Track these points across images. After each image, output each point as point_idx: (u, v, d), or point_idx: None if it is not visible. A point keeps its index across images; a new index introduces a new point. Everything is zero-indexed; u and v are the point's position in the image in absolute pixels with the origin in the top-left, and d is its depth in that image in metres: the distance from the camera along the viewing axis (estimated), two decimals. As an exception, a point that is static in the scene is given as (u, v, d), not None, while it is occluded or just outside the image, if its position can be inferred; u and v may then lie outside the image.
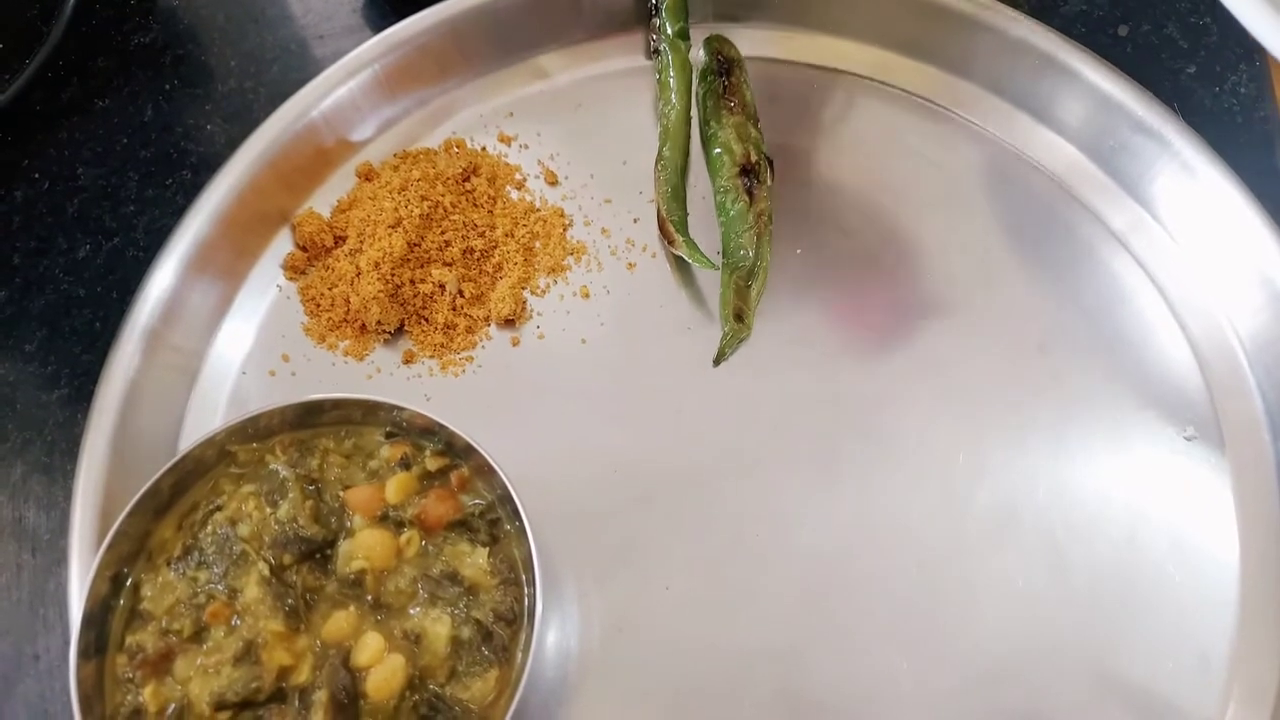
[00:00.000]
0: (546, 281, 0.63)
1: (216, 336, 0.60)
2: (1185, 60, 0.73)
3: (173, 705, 0.44)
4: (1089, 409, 0.59)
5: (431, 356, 0.60)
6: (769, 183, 0.66)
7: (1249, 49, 0.73)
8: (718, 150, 0.66)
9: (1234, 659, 0.53)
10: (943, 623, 0.54)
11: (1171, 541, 0.56)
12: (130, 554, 0.47)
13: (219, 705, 0.43)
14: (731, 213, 0.64)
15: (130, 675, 0.44)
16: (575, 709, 0.52)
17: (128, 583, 0.47)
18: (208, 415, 0.58)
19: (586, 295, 0.62)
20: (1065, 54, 0.66)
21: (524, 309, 0.62)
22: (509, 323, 0.61)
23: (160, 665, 0.44)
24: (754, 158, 0.66)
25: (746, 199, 0.64)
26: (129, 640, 0.45)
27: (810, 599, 0.54)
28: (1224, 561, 0.56)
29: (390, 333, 0.60)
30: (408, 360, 0.60)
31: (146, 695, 0.44)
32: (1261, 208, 0.61)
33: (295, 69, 0.71)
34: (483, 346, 0.61)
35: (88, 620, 0.45)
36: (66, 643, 0.51)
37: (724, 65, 0.68)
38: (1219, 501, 0.56)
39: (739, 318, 0.61)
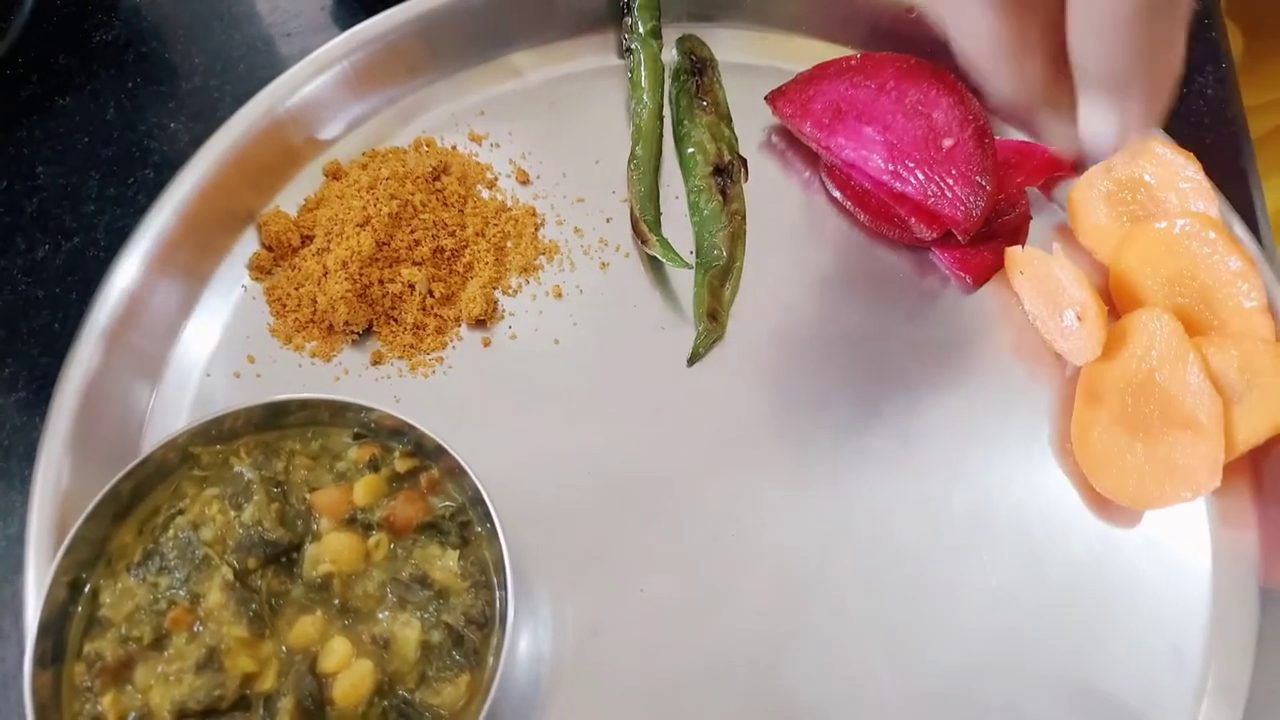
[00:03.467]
0: (518, 281, 0.62)
1: (179, 338, 0.59)
2: (1153, 62, 0.74)
3: (133, 714, 0.42)
4: (1060, 410, 0.59)
5: (401, 357, 0.59)
6: (742, 182, 0.65)
7: (1215, 52, 0.74)
8: (691, 150, 0.66)
9: (1208, 652, 0.54)
10: (919, 622, 0.54)
11: (1144, 537, 0.56)
12: (89, 559, 0.46)
13: (181, 714, 0.42)
14: (705, 212, 0.64)
15: (89, 684, 0.43)
16: (549, 714, 0.51)
17: (86, 589, 0.45)
18: (171, 418, 0.57)
19: (559, 295, 0.62)
20: (1035, 55, 0.66)
21: (495, 309, 0.61)
22: (480, 323, 0.60)
23: (120, 673, 0.43)
24: (727, 157, 0.65)
25: (720, 198, 0.64)
26: (87, 648, 0.44)
27: (786, 599, 0.54)
28: (1196, 556, 0.56)
29: (358, 333, 0.59)
30: (376, 361, 0.59)
31: (105, 704, 0.42)
32: (1231, 209, 0.61)
33: (262, 67, 0.70)
34: (453, 347, 0.60)
35: (44, 628, 0.43)
36: (22, 652, 0.49)
37: (697, 65, 0.68)
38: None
39: (713, 317, 0.61)
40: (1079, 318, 0.58)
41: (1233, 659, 0.53)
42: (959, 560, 0.55)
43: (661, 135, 0.67)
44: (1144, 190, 0.61)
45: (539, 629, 0.53)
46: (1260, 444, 0.55)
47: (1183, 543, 0.56)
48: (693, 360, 0.60)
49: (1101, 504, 0.57)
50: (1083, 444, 0.57)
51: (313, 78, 0.63)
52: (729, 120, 0.67)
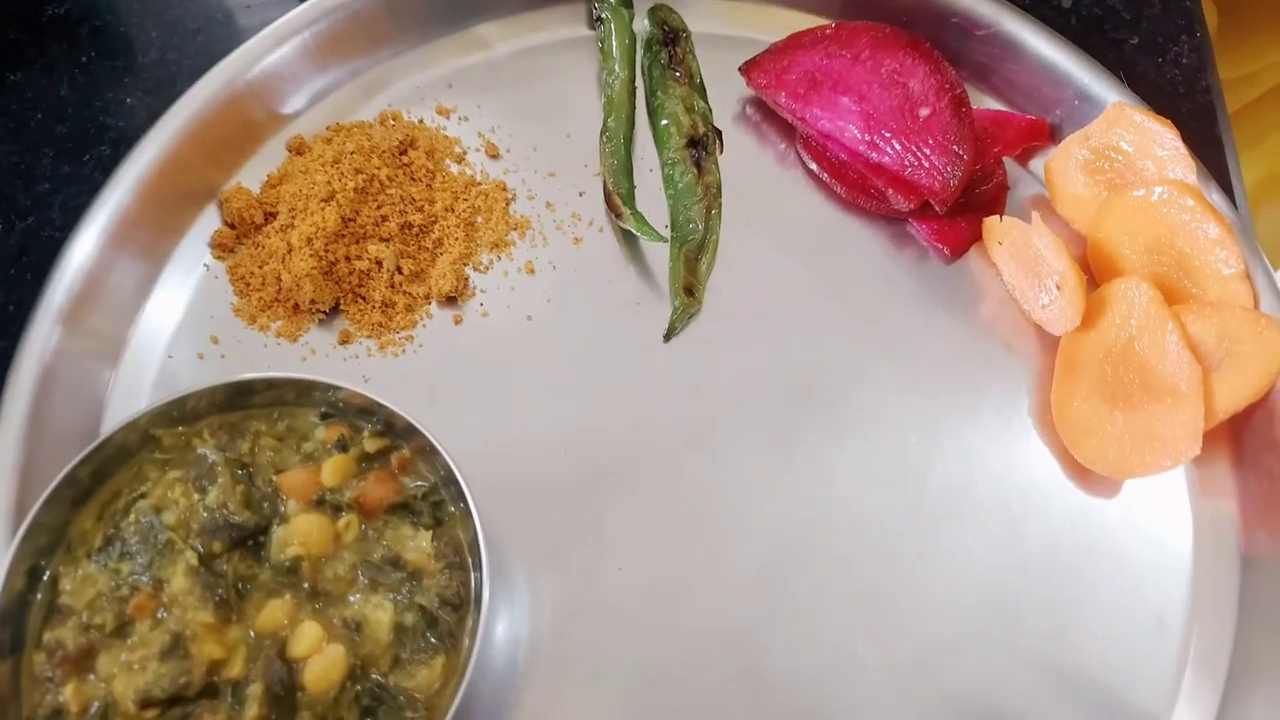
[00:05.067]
0: (489, 258, 0.61)
1: (139, 318, 0.57)
2: (1128, 31, 0.73)
3: (96, 704, 0.41)
4: (1039, 381, 0.59)
5: (369, 336, 0.58)
6: (717, 154, 0.64)
7: (1190, 20, 0.74)
8: (664, 122, 0.64)
9: (1189, 620, 0.53)
10: (900, 594, 0.53)
11: (1125, 507, 0.56)
12: (48, 546, 0.44)
13: (145, 702, 0.40)
14: (680, 185, 0.63)
15: (49, 674, 0.41)
16: (527, 695, 0.50)
17: (45, 576, 0.44)
18: (132, 401, 0.55)
19: (532, 271, 0.60)
20: (1011, 23, 0.65)
21: (466, 286, 0.59)
22: (451, 300, 0.59)
23: (81, 662, 0.41)
24: (702, 129, 0.64)
25: (695, 171, 0.63)
26: (47, 637, 0.42)
27: (765, 575, 0.53)
28: (1177, 525, 0.56)
29: (325, 312, 0.57)
30: (344, 341, 0.57)
31: (67, 694, 0.41)
32: (1209, 176, 0.61)
33: (221, 40, 0.68)
34: (423, 325, 0.58)
35: (2, 617, 0.42)
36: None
37: (669, 35, 0.67)
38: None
39: (689, 292, 0.60)
40: (1058, 287, 0.57)
41: (1214, 627, 0.53)
42: (939, 533, 0.55)
43: (634, 107, 0.65)
44: (1122, 158, 0.61)
45: (516, 610, 0.51)
46: (1239, 411, 0.55)
47: (1163, 512, 0.56)
48: (669, 335, 0.59)
49: (1082, 474, 0.56)
50: (1062, 414, 0.57)
51: (273, 49, 0.61)
52: (703, 92, 0.66)
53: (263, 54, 0.61)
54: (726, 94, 0.67)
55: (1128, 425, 0.55)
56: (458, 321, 0.59)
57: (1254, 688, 0.51)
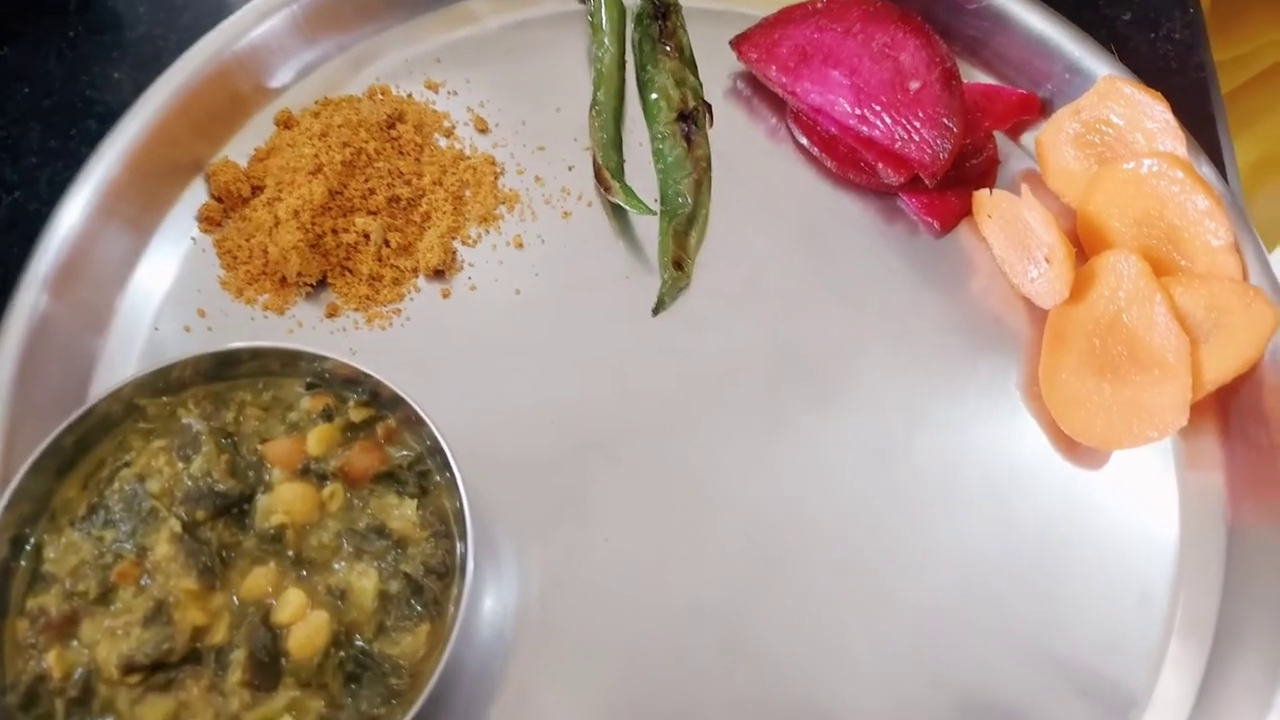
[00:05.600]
0: (478, 231, 0.60)
1: (126, 291, 0.57)
2: (1120, 7, 0.73)
3: (79, 670, 0.41)
4: (1028, 355, 0.59)
5: (356, 309, 0.57)
6: (707, 128, 0.64)
7: (1183, -5, 0.73)
8: (654, 96, 0.64)
9: (1175, 591, 0.53)
10: (887, 568, 0.53)
11: (1113, 480, 0.56)
12: (31, 515, 0.44)
13: (128, 668, 0.40)
14: (669, 159, 0.63)
15: (32, 640, 0.41)
16: (513, 665, 0.50)
17: (29, 545, 0.44)
18: (118, 373, 0.55)
19: (520, 245, 0.60)
20: (1002, -3, 0.65)
21: (454, 259, 0.59)
22: (439, 274, 0.59)
23: (64, 629, 0.41)
24: (692, 103, 0.64)
25: (685, 145, 0.63)
26: (31, 604, 0.42)
27: (752, 549, 0.53)
28: (1164, 497, 0.56)
29: (312, 285, 0.57)
30: (331, 314, 0.57)
31: (50, 660, 0.41)
32: (1199, 149, 0.61)
33: (208, 14, 0.67)
34: (411, 299, 0.58)
35: (-16, 585, 0.42)
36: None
37: (660, 8, 0.66)
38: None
39: (678, 266, 0.60)
40: (1047, 260, 0.57)
41: (1200, 598, 0.53)
42: (927, 506, 0.55)
43: (624, 81, 0.65)
44: (1112, 131, 0.61)
45: (503, 580, 0.51)
46: (1227, 383, 0.55)
47: (1151, 484, 0.56)
48: (658, 309, 0.59)
49: (1070, 446, 0.56)
50: (1051, 386, 0.57)
51: (260, 22, 0.61)
52: (693, 65, 0.66)
53: (250, 27, 0.61)
54: (717, 68, 0.66)
55: (1115, 397, 0.55)
56: (445, 295, 0.59)
57: (1238, 656, 0.51)
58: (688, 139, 0.63)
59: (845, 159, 0.63)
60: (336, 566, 0.44)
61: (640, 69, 0.65)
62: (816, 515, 0.54)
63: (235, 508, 0.44)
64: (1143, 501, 0.56)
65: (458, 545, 0.46)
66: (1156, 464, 0.57)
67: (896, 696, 0.50)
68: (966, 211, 0.63)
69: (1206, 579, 0.54)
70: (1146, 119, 0.60)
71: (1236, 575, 0.54)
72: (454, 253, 0.59)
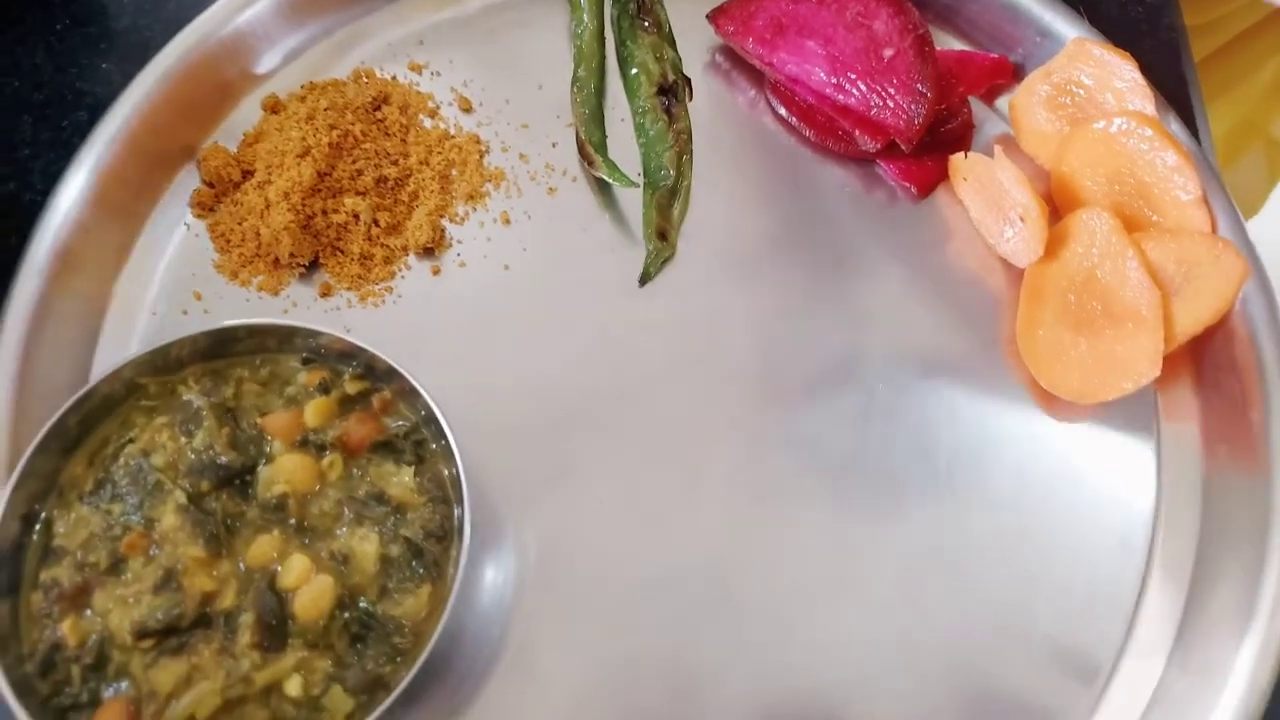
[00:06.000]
0: (465, 209, 0.62)
1: (122, 277, 0.58)
2: (1091, -30, 0.74)
3: (93, 637, 0.42)
4: (1006, 313, 0.60)
5: (349, 288, 0.59)
6: (687, 101, 0.65)
7: (1152, -43, 0.75)
8: (634, 71, 0.65)
9: (1152, 539, 0.55)
10: (870, 521, 0.55)
11: (1091, 433, 0.57)
12: (40, 492, 0.45)
13: (141, 634, 0.42)
14: (651, 133, 0.64)
15: (47, 611, 0.43)
16: (513, 626, 0.51)
17: (39, 521, 0.45)
18: (117, 357, 0.55)
19: (507, 221, 0.62)
20: (973, -37, 0.66)
21: (443, 237, 0.60)
22: (428, 251, 0.60)
23: (78, 599, 0.43)
24: (671, 77, 0.65)
25: (666, 118, 0.64)
26: (44, 576, 0.44)
27: (739, 510, 0.55)
28: (1141, 447, 0.57)
29: (305, 266, 0.59)
30: (325, 293, 0.59)
31: (65, 629, 0.42)
32: (1168, 107, 0.62)
33: (192, 4, 0.67)
34: (402, 277, 0.60)
35: (-1, 561, 0.43)
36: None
37: (636, -15, 0.67)
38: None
39: (662, 236, 0.61)
40: (1021, 219, 0.59)
41: (1177, 541, 0.55)
42: (908, 463, 0.56)
43: (604, 57, 0.66)
44: (1083, 92, 0.62)
45: (500, 544, 0.53)
46: (1199, 334, 0.56)
47: (1128, 435, 0.58)
48: (644, 280, 0.60)
49: (1048, 400, 0.58)
50: (1028, 342, 0.58)
51: (244, 8, 0.62)
52: (672, 40, 0.67)
53: (234, 13, 0.62)
54: (695, 42, 0.67)
55: (1091, 351, 0.56)
56: (436, 272, 0.60)
57: (1215, 595, 0.52)
58: (668, 112, 0.64)
59: (823, 128, 0.64)
60: (338, 532, 0.45)
61: (620, 45, 0.66)
62: (800, 474, 0.56)
63: (238, 479, 0.46)
64: (1121, 451, 0.57)
65: (455, 510, 0.47)
66: (1134, 415, 0.58)
67: (876, 638, 0.52)
68: (943, 176, 0.64)
69: (1183, 524, 0.56)
70: (1116, 79, 0.61)
71: (1212, 519, 0.55)
72: (442, 231, 0.60)
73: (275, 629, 0.43)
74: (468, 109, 0.64)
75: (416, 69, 0.65)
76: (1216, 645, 0.51)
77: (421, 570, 0.45)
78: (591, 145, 0.62)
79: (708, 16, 0.66)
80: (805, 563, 0.54)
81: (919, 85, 0.60)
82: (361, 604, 0.44)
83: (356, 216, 0.59)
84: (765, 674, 0.51)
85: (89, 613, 0.43)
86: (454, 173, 0.62)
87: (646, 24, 0.66)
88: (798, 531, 0.54)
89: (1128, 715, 0.51)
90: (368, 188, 0.59)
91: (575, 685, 0.50)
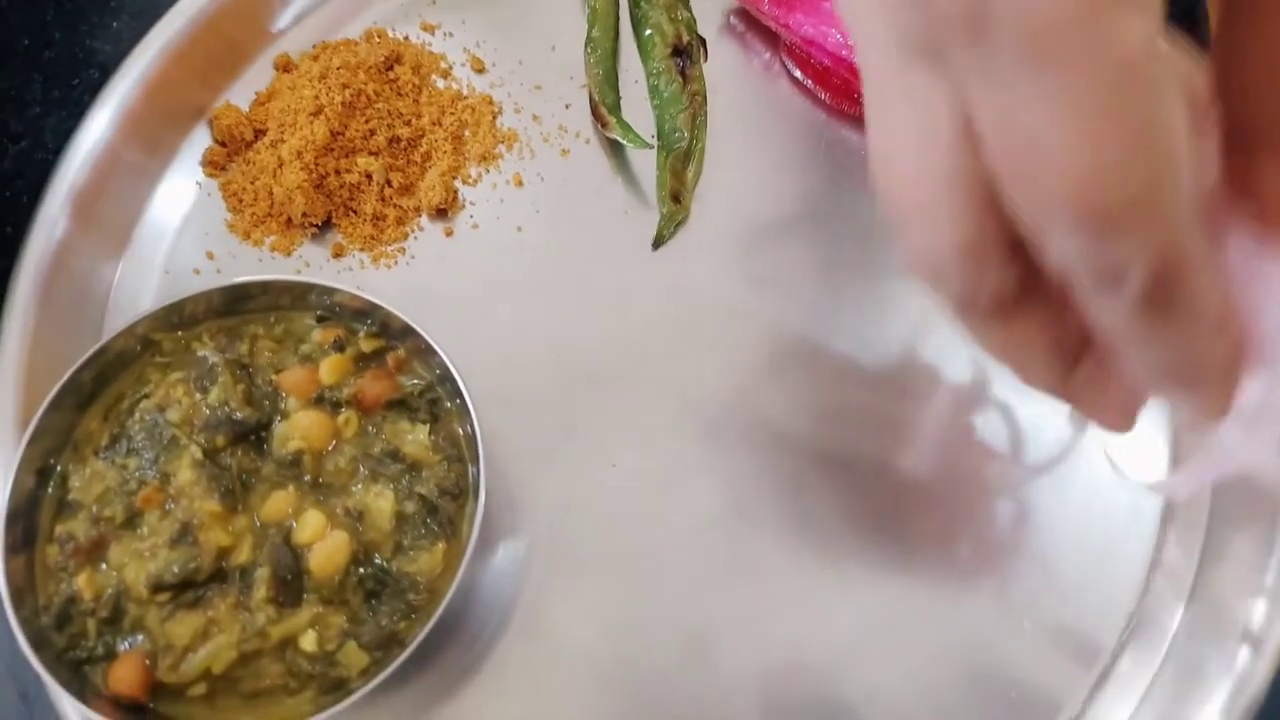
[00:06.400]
0: (478, 170, 0.61)
1: (135, 236, 0.58)
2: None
3: (109, 590, 0.42)
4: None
5: (362, 249, 0.58)
6: (702, 63, 0.65)
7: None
8: (649, 32, 0.65)
9: (1162, 523, 0.55)
10: (887, 494, 0.55)
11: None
12: (55, 447, 0.45)
13: (157, 587, 0.42)
14: (665, 95, 0.63)
15: (63, 564, 0.43)
16: (526, 585, 0.51)
17: (55, 475, 0.45)
18: (130, 315, 0.55)
19: (520, 183, 0.61)
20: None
21: (456, 198, 0.60)
22: (441, 213, 0.60)
23: (93, 553, 0.43)
24: (686, 38, 0.64)
25: (680, 80, 0.63)
26: (59, 530, 0.44)
27: (753, 473, 0.54)
28: (1152, 414, 0.57)
29: (317, 226, 0.58)
30: (337, 254, 0.58)
31: (80, 583, 0.42)
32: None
33: (204, -38, 0.67)
34: (415, 238, 0.59)
35: (13, 515, 0.43)
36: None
37: (651, -55, 0.66)
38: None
39: (676, 199, 0.61)
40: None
41: (1186, 525, 0.55)
42: (921, 425, 0.56)
43: (618, 18, 0.66)
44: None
45: (514, 504, 0.53)
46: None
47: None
48: (658, 243, 0.60)
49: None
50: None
51: (256, -35, 0.61)
52: (686, 1, 0.66)
53: (246, -29, 0.61)
54: (710, 3, 0.67)
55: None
56: (448, 234, 0.60)
57: (1230, 545, 0.52)
58: (683, 74, 0.63)
59: (839, 90, 0.64)
60: (354, 489, 0.45)
61: (634, 5, 0.66)
62: (815, 436, 0.55)
63: (253, 435, 0.46)
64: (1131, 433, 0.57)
65: (469, 468, 0.47)
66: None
67: (888, 620, 0.52)
68: (960, 140, 0.63)
69: (1193, 503, 0.55)
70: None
71: (1223, 491, 0.55)
72: (455, 192, 0.60)
73: (290, 584, 0.43)
74: (480, 70, 0.64)
75: (429, 29, 0.65)
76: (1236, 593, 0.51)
77: (436, 528, 0.45)
78: (605, 107, 0.61)
79: (723, -23, 0.65)
80: (818, 529, 0.54)
81: (937, 47, 0.60)
82: (376, 560, 0.44)
83: (369, 176, 0.58)
84: (775, 641, 0.51)
85: (104, 566, 0.43)
86: (467, 134, 0.62)
87: (661, -16, 0.65)
88: (810, 488, 0.54)
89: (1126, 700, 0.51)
90: (380, 148, 0.59)
91: (585, 648, 0.51)
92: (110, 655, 0.42)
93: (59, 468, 0.45)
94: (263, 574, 0.43)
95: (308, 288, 0.48)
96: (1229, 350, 0.25)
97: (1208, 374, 0.26)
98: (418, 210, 0.60)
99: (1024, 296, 0.23)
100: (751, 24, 0.67)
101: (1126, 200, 0.20)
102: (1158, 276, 0.21)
